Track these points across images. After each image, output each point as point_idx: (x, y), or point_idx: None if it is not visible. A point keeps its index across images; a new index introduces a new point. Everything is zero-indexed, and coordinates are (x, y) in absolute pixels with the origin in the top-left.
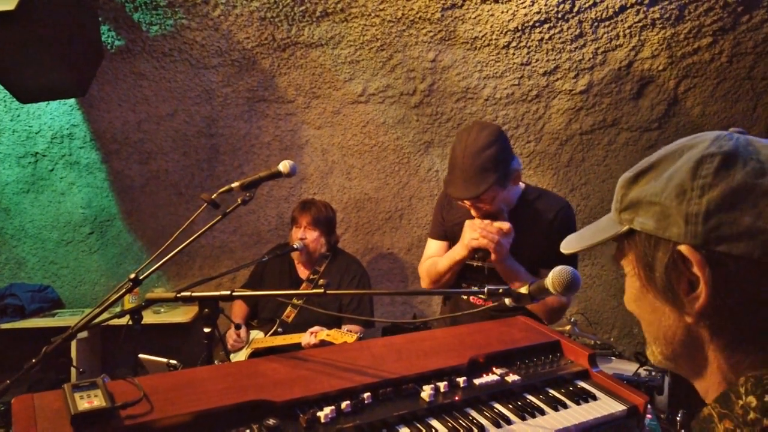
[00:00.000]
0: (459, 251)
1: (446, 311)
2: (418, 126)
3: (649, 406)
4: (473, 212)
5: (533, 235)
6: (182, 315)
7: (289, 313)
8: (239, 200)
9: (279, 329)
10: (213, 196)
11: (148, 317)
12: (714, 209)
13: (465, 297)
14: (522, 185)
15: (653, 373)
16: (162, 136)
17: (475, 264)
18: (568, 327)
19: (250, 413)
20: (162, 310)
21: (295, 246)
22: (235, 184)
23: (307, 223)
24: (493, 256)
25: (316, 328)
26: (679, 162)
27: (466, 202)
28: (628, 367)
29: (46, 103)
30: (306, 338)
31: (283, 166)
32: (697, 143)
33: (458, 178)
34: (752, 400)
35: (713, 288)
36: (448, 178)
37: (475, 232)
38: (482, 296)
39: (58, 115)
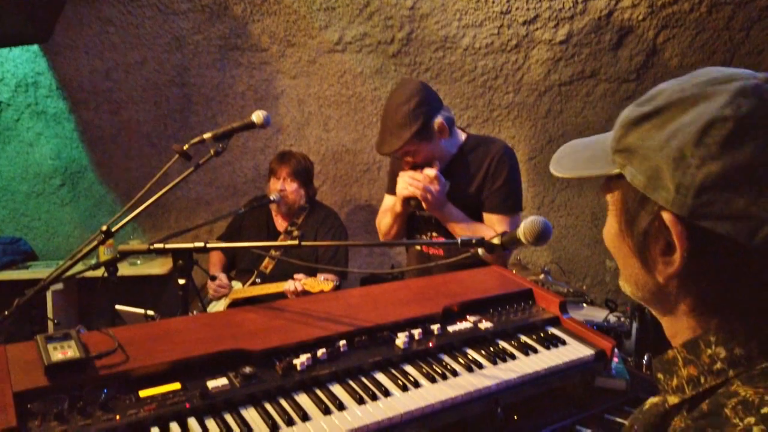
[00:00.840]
0: (395, 203)
1: (412, 261)
2: (396, 76)
3: (616, 350)
4: (404, 165)
5: (471, 183)
6: (159, 267)
7: (267, 264)
8: (212, 151)
9: (257, 280)
10: (185, 147)
11: (125, 269)
12: (709, 185)
13: (418, 248)
14: (463, 136)
15: (622, 319)
16: (132, 85)
17: (417, 213)
18: (541, 276)
19: (226, 362)
20: (138, 262)
21: (272, 198)
22: (207, 135)
23: (286, 174)
24: (424, 204)
25: (300, 275)
26: (688, 116)
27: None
28: (599, 314)
29: (8, 49)
30: (290, 285)
31: (257, 116)
32: (715, 94)
33: (381, 134)
34: (721, 351)
35: (688, 259)
36: (378, 135)
37: (404, 182)
38: (435, 247)
39: (22, 62)
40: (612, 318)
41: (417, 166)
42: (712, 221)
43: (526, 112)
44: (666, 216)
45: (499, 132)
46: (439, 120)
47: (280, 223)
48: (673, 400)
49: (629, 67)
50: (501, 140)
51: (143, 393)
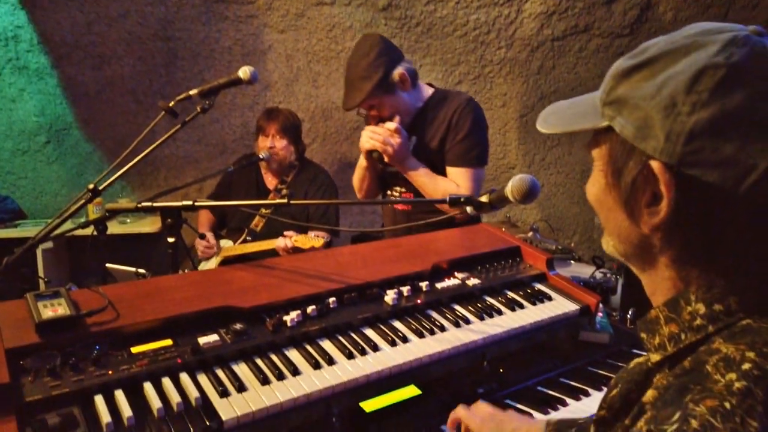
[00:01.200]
0: (361, 157)
1: (385, 217)
2: (387, 31)
3: (601, 305)
4: (370, 120)
5: (435, 137)
6: (149, 225)
7: (258, 222)
8: (198, 108)
9: (248, 238)
10: (171, 104)
11: (115, 228)
12: (699, 132)
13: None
14: (430, 90)
15: (608, 275)
16: (115, 39)
17: (384, 169)
18: (530, 233)
19: (217, 319)
20: (128, 220)
21: (261, 156)
22: (193, 92)
23: (275, 131)
24: (385, 157)
25: (290, 232)
26: (680, 65)
27: (362, 111)
28: (586, 270)
29: None
30: (281, 242)
31: (243, 72)
32: (706, 44)
33: (345, 90)
34: (701, 307)
35: (675, 208)
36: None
37: (366, 136)
38: (405, 202)
39: (0, 15)
40: (598, 274)
41: (382, 121)
42: (700, 169)
43: (518, 68)
44: (655, 165)
45: (490, 89)
46: (399, 71)
47: (270, 181)
48: (655, 357)
49: (623, 21)
50: (466, 93)
51: (135, 349)
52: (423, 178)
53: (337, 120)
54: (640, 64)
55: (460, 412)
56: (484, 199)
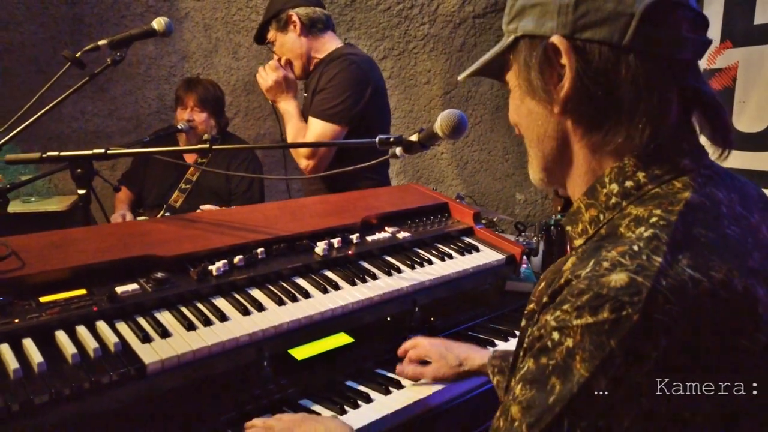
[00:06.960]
0: None
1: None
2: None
3: (525, 257)
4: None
5: (316, 90)
6: (57, 203)
7: (177, 198)
8: (108, 60)
9: (166, 214)
10: (77, 55)
11: (18, 207)
12: None
13: None
14: (337, 45)
15: (530, 238)
16: (12, 2)
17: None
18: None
19: (136, 268)
20: (32, 199)
21: (180, 127)
22: (102, 42)
23: (194, 103)
24: (266, 94)
25: (207, 206)
26: None
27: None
28: (509, 238)
29: None
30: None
31: (158, 23)
32: None
33: None
34: (614, 187)
35: (576, 74)
36: None
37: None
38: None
39: None
40: (521, 239)
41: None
42: (591, 30)
43: (442, 44)
44: (555, 39)
45: (415, 65)
46: (290, 12)
47: (190, 156)
48: (579, 242)
49: None
50: (361, 54)
51: (44, 299)
52: (288, 123)
53: (260, 94)
54: None
55: (412, 342)
56: (413, 138)
